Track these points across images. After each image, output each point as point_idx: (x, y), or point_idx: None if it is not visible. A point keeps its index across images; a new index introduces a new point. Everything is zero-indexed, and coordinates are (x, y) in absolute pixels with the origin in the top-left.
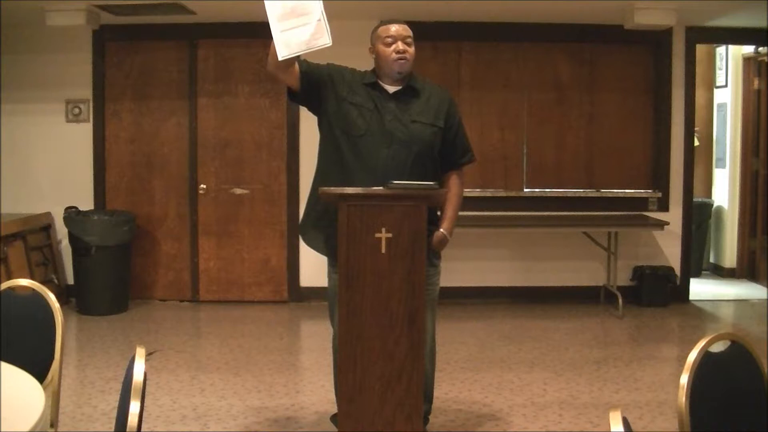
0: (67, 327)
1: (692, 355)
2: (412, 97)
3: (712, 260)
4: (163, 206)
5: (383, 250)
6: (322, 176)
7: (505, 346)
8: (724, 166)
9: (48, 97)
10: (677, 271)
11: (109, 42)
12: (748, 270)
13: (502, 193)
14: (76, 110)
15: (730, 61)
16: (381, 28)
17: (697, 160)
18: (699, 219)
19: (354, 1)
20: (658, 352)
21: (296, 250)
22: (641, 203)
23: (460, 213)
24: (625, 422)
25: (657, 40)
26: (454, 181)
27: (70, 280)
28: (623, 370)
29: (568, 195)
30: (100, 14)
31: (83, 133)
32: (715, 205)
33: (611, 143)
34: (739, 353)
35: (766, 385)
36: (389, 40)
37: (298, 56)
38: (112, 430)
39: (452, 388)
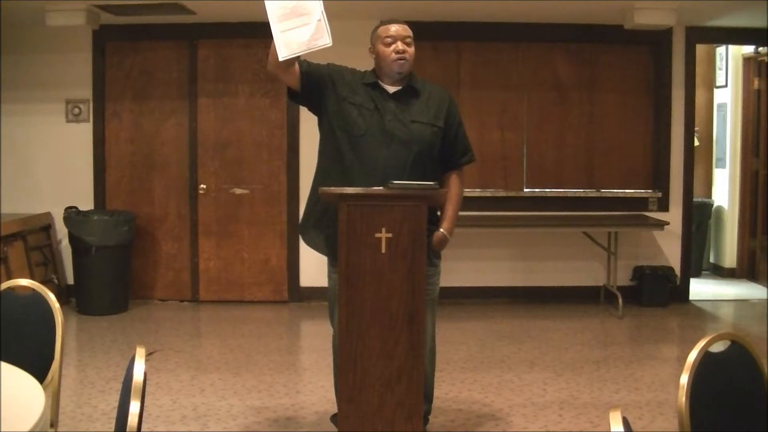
0: (67, 327)
1: (692, 355)
2: (412, 97)
3: (712, 260)
4: (163, 206)
5: (383, 250)
6: (322, 176)
7: (505, 346)
8: (724, 166)
9: (48, 97)
10: (677, 271)
11: (109, 42)
12: (748, 270)
13: (502, 193)
14: (76, 110)
15: (730, 61)
16: (381, 28)
17: (697, 160)
18: (699, 219)
19: (354, 1)
20: (658, 352)
21: (296, 250)
22: (641, 203)
23: (460, 213)
24: (625, 422)
25: (657, 40)
26: (454, 181)
27: (70, 280)
28: (623, 370)
29: (568, 195)
30: (100, 14)
31: (83, 133)
32: (715, 205)
33: (611, 143)
34: (739, 353)
35: (766, 385)
36: (389, 40)
37: (299, 56)
38: (112, 430)
39: (452, 388)
